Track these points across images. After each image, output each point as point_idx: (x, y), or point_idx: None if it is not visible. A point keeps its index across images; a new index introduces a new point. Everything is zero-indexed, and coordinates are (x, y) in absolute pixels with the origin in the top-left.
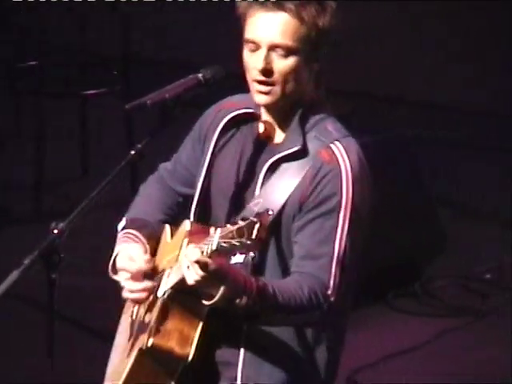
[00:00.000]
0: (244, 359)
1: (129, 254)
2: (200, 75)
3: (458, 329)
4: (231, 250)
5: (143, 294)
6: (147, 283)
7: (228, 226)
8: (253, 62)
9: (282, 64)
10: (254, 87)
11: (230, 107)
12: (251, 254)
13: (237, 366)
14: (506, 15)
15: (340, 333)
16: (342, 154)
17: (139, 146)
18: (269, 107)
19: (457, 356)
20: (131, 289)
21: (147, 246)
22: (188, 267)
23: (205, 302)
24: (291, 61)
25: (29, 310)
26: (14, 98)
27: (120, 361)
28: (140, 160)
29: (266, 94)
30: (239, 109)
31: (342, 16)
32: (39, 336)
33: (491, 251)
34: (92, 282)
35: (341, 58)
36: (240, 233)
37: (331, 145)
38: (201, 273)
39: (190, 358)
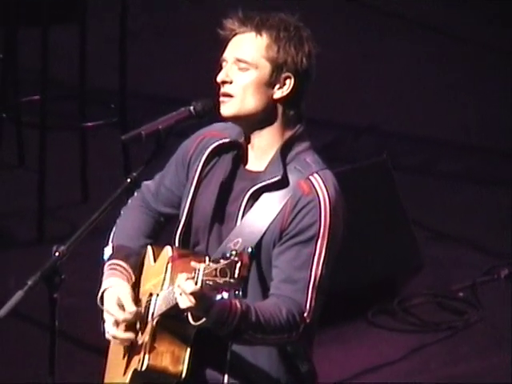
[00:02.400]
0: (229, 378)
1: (118, 297)
2: (191, 107)
3: (433, 344)
4: (216, 288)
5: (124, 343)
6: (130, 335)
7: (210, 263)
8: (218, 76)
9: (241, 76)
10: (219, 100)
11: (213, 136)
12: (236, 292)
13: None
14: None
15: (312, 344)
16: (321, 186)
17: (134, 174)
18: (234, 122)
19: (432, 369)
20: (115, 336)
21: (133, 278)
22: (181, 294)
23: (193, 323)
24: (249, 75)
25: (31, 327)
26: (17, 131)
27: (116, 376)
28: (135, 187)
29: (226, 104)
30: (222, 138)
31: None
32: (41, 353)
33: (464, 271)
34: (92, 302)
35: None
36: (223, 272)
37: (310, 177)
38: (193, 301)
39: (183, 374)
